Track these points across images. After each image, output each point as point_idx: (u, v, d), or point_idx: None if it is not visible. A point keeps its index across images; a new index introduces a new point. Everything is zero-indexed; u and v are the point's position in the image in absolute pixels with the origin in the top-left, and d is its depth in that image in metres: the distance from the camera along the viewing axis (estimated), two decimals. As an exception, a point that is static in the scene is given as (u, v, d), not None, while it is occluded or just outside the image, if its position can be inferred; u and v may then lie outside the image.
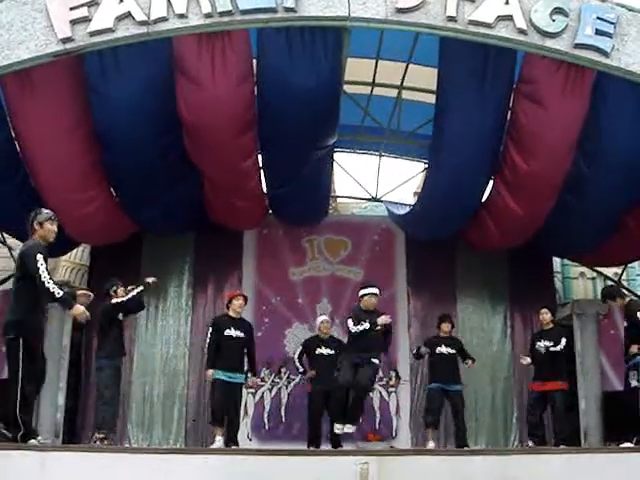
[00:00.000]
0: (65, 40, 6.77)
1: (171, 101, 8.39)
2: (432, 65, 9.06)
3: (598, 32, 7.04)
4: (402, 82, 11.12)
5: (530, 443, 9.36)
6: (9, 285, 11.31)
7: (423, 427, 10.03)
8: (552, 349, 9.20)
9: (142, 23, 6.82)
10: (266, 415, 11.54)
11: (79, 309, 6.34)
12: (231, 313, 8.72)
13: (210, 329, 8.70)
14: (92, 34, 6.80)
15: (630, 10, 7.24)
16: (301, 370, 9.95)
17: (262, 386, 11.44)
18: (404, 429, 11.56)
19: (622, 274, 12.85)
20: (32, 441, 5.94)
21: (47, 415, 9.60)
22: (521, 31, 7.02)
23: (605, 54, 7.07)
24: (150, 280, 8.49)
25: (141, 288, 8.48)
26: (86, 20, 6.79)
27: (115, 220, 10.36)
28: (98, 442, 7.79)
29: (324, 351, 9.62)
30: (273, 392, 11.64)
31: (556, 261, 13.01)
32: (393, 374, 11.67)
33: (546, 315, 9.54)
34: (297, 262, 12.25)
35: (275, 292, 12.07)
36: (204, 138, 8.84)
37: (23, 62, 6.89)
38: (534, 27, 7.03)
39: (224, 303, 9.42)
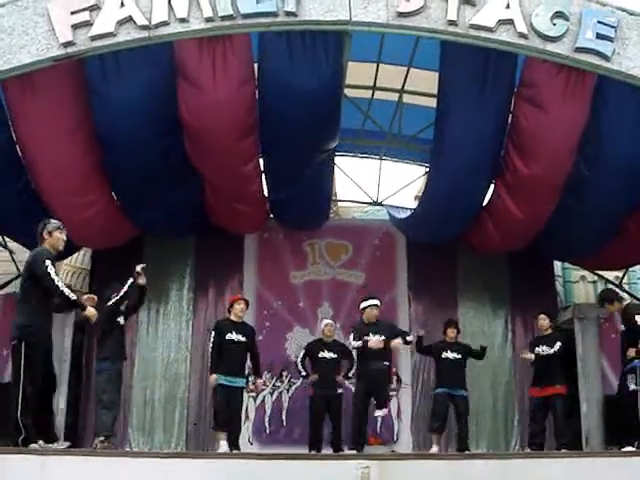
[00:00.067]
0: (66, 44, 6.79)
1: (172, 104, 8.41)
2: (433, 69, 9.07)
3: (599, 36, 7.05)
4: (403, 86, 11.15)
5: (529, 451, 9.33)
6: (10, 289, 11.41)
7: (428, 431, 10.01)
8: (544, 353, 9.17)
9: (143, 27, 6.84)
10: (267, 419, 11.53)
11: (91, 311, 6.48)
12: (233, 317, 8.70)
13: (212, 333, 8.68)
14: (93, 38, 6.82)
15: (631, 14, 7.25)
16: (303, 374, 9.93)
17: (263, 390, 11.42)
18: (405, 433, 11.55)
19: (623, 278, 12.84)
20: (33, 445, 5.94)
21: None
22: (522, 35, 7.04)
23: (606, 58, 7.08)
24: (138, 268, 8.32)
25: (131, 280, 8.31)
26: (87, 24, 6.80)
27: (116, 224, 10.36)
28: (98, 445, 7.77)
29: (327, 355, 9.62)
30: (274, 396, 11.63)
31: (557, 265, 13.00)
32: (394, 378, 11.64)
33: (544, 321, 9.50)
34: (298, 266, 12.25)
35: (276, 296, 12.07)
36: (205, 142, 8.85)
37: (24, 66, 6.90)
38: (535, 31, 7.04)
39: (225, 307, 9.42)
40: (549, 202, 9.75)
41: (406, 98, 11.35)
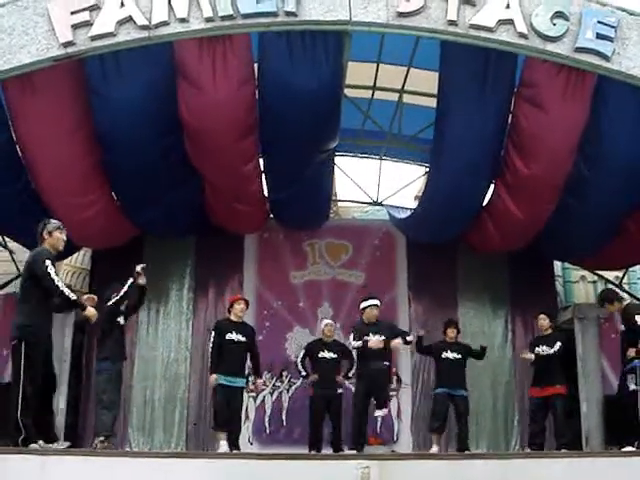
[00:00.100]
0: (66, 44, 6.79)
1: (172, 103, 8.41)
2: (433, 69, 9.07)
3: (599, 36, 7.05)
4: (403, 86, 11.15)
5: (528, 451, 9.33)
6: (10, 289, 11.41)
7: (428, 431, 10.01)
8: (544, 353, 9.17)
9: (143, 27, 6.84)
10: (267, 419, 11.53)
11: (91, 311, 6.49)
12: (233, 317, 8.70)
13: (213, 333, 8.67)
14: (93, 38, 6.82)
15: (631, 14, 7.25)
16: (303, 374, 9.93)
17: (263, 390, 11.42)
18: (405, 433, 11.56)
19: (623, 278, 12.84)
20: (33, 445, 5.94)
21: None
22: (522, 35, 7.04)
23: (606, 58, 7.08)
24: (138, 268, 8.31)
25: (131, 280, 8.30)
26: (87, 24, 6.80)
27: (116, 224, 10.36)
28: (98, 445, 7.77)
29: (327, 355, 9.62)
30: (274, 396, 11.63)
31: (557, 265, 13.01)
32: (394, 378, 11.63)
33: (544, 321, 9.50)
34: (298, 266, 12.25)
35: (276, 296, 12.07)
36: (205, 142, 8.86)
37: (24, 66, 6.90)
38: (535, 31, 7.04)
39: (225, 307, 9.42)
40: (549, 202, 9.75)
41: (406, 98, 11.35)
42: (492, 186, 10.30)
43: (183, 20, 6.86)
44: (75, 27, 6.79)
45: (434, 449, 9.37)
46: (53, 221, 6.59)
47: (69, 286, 6.73)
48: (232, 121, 8.63)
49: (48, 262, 6.16)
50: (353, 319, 10.24)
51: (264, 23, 7.03)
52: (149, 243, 11.82)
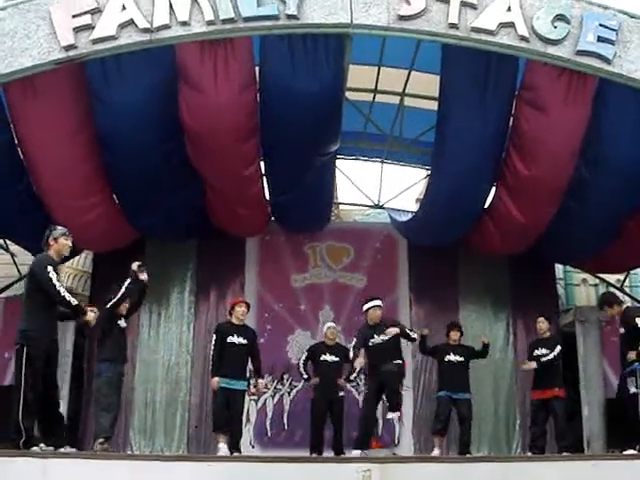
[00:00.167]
0: (68, 47, 6.80)
1: (174, 107, 8.41)
2: (434, 72, 9.07)
3: (600, 39, 7.06)
4: (404, 89, 11.16)
5: (529, 454, 9.32)
6: (12, 292, 11.42)
7: (430, 433, 9.99)
8: (544, 359, 9.15)
9: (145, 30, 6.85)
10: (268, 422, 11.52)
11: (91, 315, 6.54)
12: (234, 320, 8.69)
13: (214, 336, 8.66)
14: (95, 41, 6.83)
15: (632, 17, 7.26)
16: (305, 376, 9.93)
17: (265, 392, 11.41)
18: (407, 436, 11.54)
19: (625, 280, 12.83)
20: (34, 448, 5.95)
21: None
22: (523, 38, 7.04)
23: (607, 61, 7.09)
24: (134, 266, 8.25)
25: (128, 281, 8.25)
26: (89, 28, 6.82)
27: (117, 226, 10.37)
28: (98, 447, 7.76)
29: (329, 358, 9.61)
30: (275, 399, 11.62)
31: (558, 268, 12.99)
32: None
33: (542, 324, 9.50)
34: (299, 269, 12.25)
35: (277, 299, 12.07)
36: (206, 145, 8.86)
37: (26, 69, 6.92)
38: (536, 34, 7.05)
39: (227, 310, 9.42)
40: (550, 205, 9.75)
41: (407, 101, 11.37)
42: (493, 189, 10.30)
43: (184, 23, 6.87)
44: (77, 30, 6.81)
45: (436, 452, 9.34)
46: (59, 227, 6.63)
47: (69, 290, 6.74)
48: (233, 124, 8.63)
49: (50, 268, 6.21)
50: (354, 322, 10.25)
51: (265, 26, 7.04)
52: (150, 246, 11.81)
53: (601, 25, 7.09)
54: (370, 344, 8.59)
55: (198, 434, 11.31)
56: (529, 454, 9.29)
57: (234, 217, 10.87)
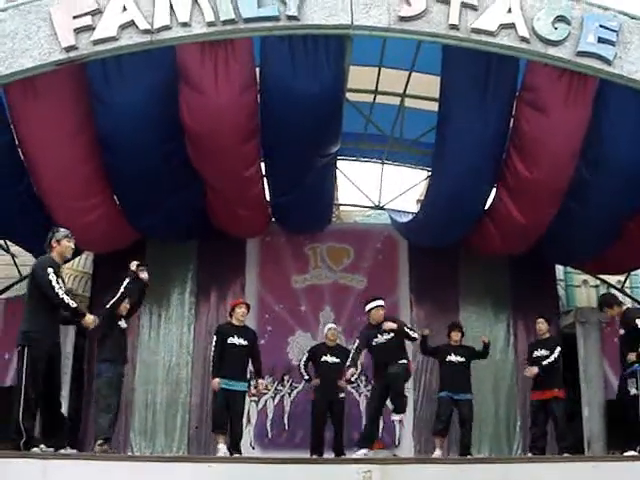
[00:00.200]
0: (69, 49, 6.81)
1: (174, 108, 8.41)
2: (435, 73, 9.07)
3: (601, 40, 7.07)
4: (405, 90, 11.16)
5: (530, 455, 9.32)
6: (12, 293, 11.42)
7: (431, 434, 9.98)
8: (545, 362, 9.14)
9: (145, 32, 6.85)
10: (269, 423, 11.51)
11: (90, 317, 6.54)
12: (234, 321, 8.70)
13: (215, 337, 8.67)
14: (96, 42, 6.83)
15: (633, 18, 7.26)
16: (306, 377, 9.93)
17: (265, 393, 11.41)
18: (407, 437, 11.51)
19: (625, 282, 12.82)
20: (34, 449, 5.96)
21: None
22: (523, 39, 7.04)
23: (608, 62, 7.09)
24: (133, 266, 8.22)
25: (127, 281, 8.21)
26: (90, 29, 6.82)
27: (118, 227, 10.36)
28: (98, 448, 7.77)
29: (329, 359, 9.61)
30: (276, 400, 11.61)
31: (559, 269, 12.98)
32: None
33: (542, 325, 9.51)
34: (300, 270, 12.24)
35: (278, 300, 12.06)
36: (207, 146, 8.86)
37: (27, 70, 6.92)
38: (536, 35, 7.06)
39: (227, 311, 9.42)
40: (551, 206, 9.74)
41: (408, 102, 11.36)
42: (494, 190, 10.30)
43: (185, 24, 6.87)
44: (77, 31, 6.81)
45: (437, 453, 9.34)
46: (62, 229, 6.64)
47: (69, 292, 6.76)
48: (234, 125, 8.63)
49: (50, 270, 6.22)
50: (355, 323, 10.25)
51: (266, 27, 7.05)
52: (151, 247, 11.80)
53: (601, 26, 7.09)
54: (374, 344, 8.56)
55: (198, 435, 11.30)
56: (529, 455, 9.30)
57: (234, 218, 10.87)
